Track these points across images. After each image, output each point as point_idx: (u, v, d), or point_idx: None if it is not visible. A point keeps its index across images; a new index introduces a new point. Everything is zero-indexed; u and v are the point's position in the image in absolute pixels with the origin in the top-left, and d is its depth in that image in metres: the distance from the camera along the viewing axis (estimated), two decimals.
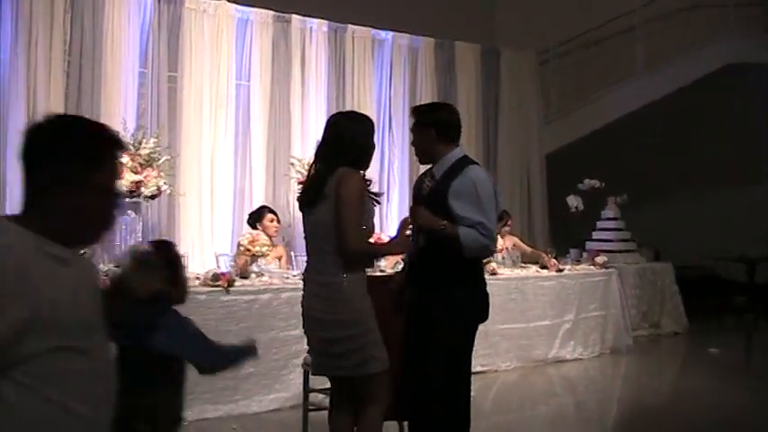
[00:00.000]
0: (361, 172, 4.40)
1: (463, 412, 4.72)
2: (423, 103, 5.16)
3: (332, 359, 4.25)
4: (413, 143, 4.83)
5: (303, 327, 4.43)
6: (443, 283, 4.55)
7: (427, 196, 4.66)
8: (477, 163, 4.81)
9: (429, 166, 4.79)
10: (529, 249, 10.32)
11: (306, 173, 4.75)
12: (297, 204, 4.54)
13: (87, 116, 8.35)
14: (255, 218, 8.67)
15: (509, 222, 10.23)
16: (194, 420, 6.34)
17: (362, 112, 10.46)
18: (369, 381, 4.22)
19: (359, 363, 4.16)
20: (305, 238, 4.47)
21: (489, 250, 4.80)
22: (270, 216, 8.57)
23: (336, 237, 4.14)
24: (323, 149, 4.38)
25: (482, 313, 4.76)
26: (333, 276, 4.18)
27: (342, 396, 4.47)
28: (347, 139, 4.27)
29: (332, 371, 4.34)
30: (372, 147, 4.43)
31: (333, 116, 4.65)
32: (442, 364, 4.53)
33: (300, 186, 4.62)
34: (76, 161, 2.23)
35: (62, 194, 2.23)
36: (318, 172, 4.35)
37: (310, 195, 4.30)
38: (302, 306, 4.42)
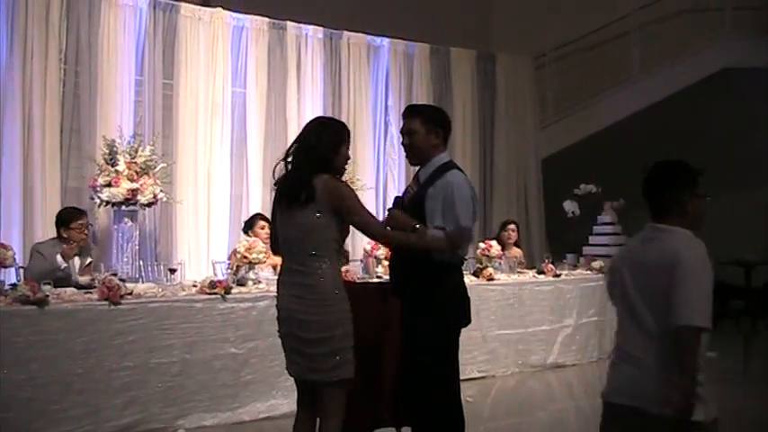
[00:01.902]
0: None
1: (456, 416, 4.70)
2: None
3: (308, 360, 4.25)
4: (411, 142, 4.75)
5: (279, 330, 4.43)
6: (422, 288, 4.64)
7: (409, 200, 4.73)
8: (459, 168, 4.80)
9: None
10: (522, 260, 10.26)
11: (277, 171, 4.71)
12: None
13: (84, 124, 8.46)
14: (248, 225, 8.74)
15: (509, 229, 10.16)
16: (192, 428, 6.36)
17: (358, 117, 10.67)
18: (337, 386, 4.23)
19: (334, 365, 4.19)
20: (279, 239, 4.46)
21: (458, 254, 4.78)
22: (261, 223, 8.60)
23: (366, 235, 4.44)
24: (297, 152, 4.43)
25: (464, 318, 4.75)
26: (315, 278, 4.20)
27: (307, 401, 4.48)
28: (321, 145, 4.33)
29: (306, 373, 4.31)
30: (342, 156, 4.43)
31: (310, 121, 4.66)
32: (429, 368, 4.60)
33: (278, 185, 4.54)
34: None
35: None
36: (299, 175, 4.36)
37: (293, 198, 4.31)
38: (278, 308, 4.42)
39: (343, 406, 4.30)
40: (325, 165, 4.30)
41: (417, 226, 4.51)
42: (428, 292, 4.64)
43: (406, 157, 4.87)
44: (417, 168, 4.84)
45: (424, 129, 4.71)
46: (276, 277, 7.63)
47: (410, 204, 4.67)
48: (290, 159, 4.50)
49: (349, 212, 4.28)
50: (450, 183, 4.60)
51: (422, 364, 4.61)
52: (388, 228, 4.63)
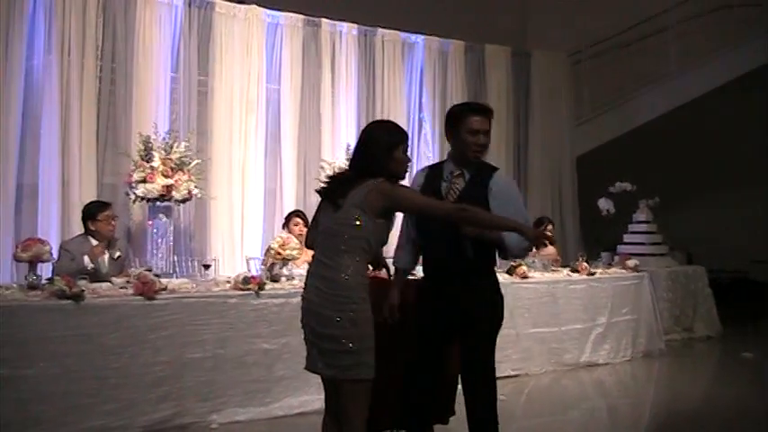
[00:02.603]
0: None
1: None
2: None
3: (325, 355, 4.23)
4: (484, 143, 4.71)
5: (301, 319, 4.39)
6: (484, 280, 4.71)
7: (463, 198, 4.62)
8: None
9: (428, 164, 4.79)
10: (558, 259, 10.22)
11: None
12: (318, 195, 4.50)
13: (120, 120, 8.54)
14: (286, 221, 8.86)
15: (549, 228, 10.13)
16: (225, 423, 6.38)
17: (393, 115, 10.68)
18: (355, 385, 4.18)
19: (349, 365, 4.14)
20: (319, 231, 4.42)
21: (528, 252, 4.84)
22: (296, 220, 8.74)
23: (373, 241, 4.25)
24: (355, 157, 4.40)
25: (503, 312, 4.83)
26: (339, 274, 4.16)
27: (331, 401, 4.46)
28: (379, 153, 4.27)
29: (321, 368, 4.29)
30: (402, 162, 4.35)
31: (369, 124, 4.65)
32: (488, 360, 4.67)
33: (329, 180, 4.47)
34: None
35: None
36: (350, 175, 4.36)
37: (333, 193, 4.31)
38: (302, 298, 4.40)
39: (365, 407, 4.23)
40: (377, 167, 4.25)
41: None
42: (490, 284, 4.72)
43: (476, 156, 4.70)
44: (445, 164, 4.81)
45: (489, 127, 4.72)
46: None
47: (464, 201, 4.57)
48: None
49: (410, 204, 4.31)
50: (511, 182, 4.69)
51: (481, 355, 4.65)
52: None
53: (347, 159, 9.66)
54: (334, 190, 4.32)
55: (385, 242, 4.39)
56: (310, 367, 4.40)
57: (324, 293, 4.20)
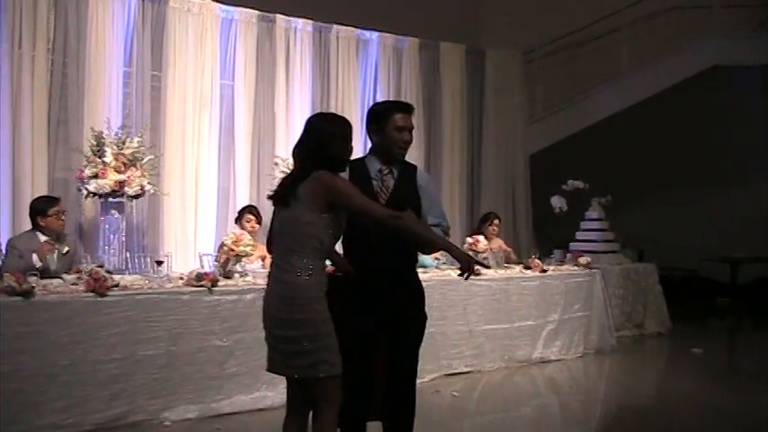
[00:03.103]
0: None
1: None
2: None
3: (284, 357, 4.22)
4: (410, 140, 4.71)
5: (262, 322, 4.38)
6: (416, 284, 4.75)
7: (396, 195, 4.63)
8: None
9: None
10: (512, 255, 10.33)
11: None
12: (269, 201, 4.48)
13: (72, 115, 8.44)
14: (238, 216, 8.93)
15: (495, 223, 10.22)
16: (177, 420, 6.36)
17: (347, 111, 10.67)
18: (318, 384, 4.16)
19: (309, 364, 4.12)
20: (273, 233, 4.42)
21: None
22: (248, 216, 8.81)
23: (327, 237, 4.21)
24: (299, 150, 4.36)
25: None
26: (293, 275, 4.14)
27: (293, 399, 4.44)
28: (323, 142, 4.26)
29: (282, 369, 4.28)
30: (349, 150, 4.38)
31: (311, 117, 4.60)
32: (416, 358, 4.72)
33: (279, 184, 4.45)
34: None
35: None
36: (295, 173, 4.35)
37: (283, 195, 4.28)
38: (263, 301, 4.38)
39: (335, 399, 4.22)
40: (319, 158, 4.22)
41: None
42: (418, 282, 4.75)
43: (402, 153, 4.71)
44: (367, 162, 4.76)
45: (411, 126, 4.72)
46: (262, 270, 7.71)
47: (393, 199, 4.59)
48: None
49: (348, 202, 4.19)
50: (431, 179, 4.68)
51: (413, 353, 4.67)
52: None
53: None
54: (283, 191, 4.31)
55: (338, 237, 4.38)
56: (271, 368, 4.38)
57: (279, 296, 4.21)
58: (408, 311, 4.60)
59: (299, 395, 4.34)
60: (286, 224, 4.24)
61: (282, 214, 4.28)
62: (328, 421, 4.23)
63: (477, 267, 4.52)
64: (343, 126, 4.40)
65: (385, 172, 4.67)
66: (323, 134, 4.30)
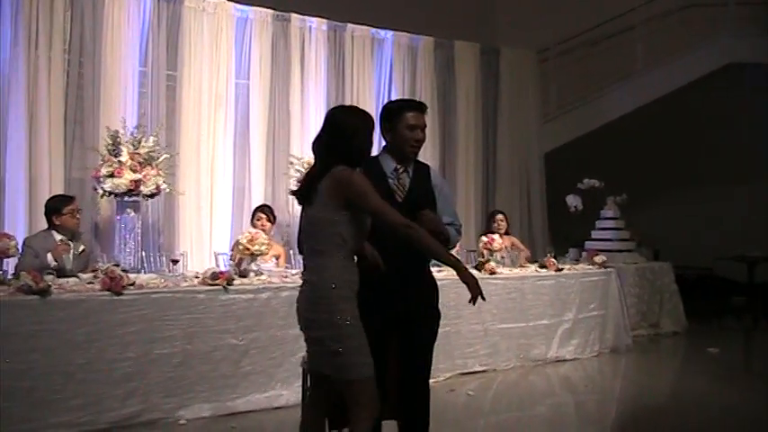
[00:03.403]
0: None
1: None
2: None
3: (316, 357, 4.20)
4: (422, 138, 4.67)
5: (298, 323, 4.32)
6: (430, 281, 4.73)
7: (412, 194, 4.62)
8: None
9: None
10: (526, 250, 10.33)
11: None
12: (296, 202, 4.43)
13: (87, 115, 8.47)
14: (251, 217, 8.91)
15: (497, 219, 10.17)
16: (192, 419, 6.36)
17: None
18: (349, 386, 4.06)
19: (338, 366, 4.04)
20: (300, 234, 4.37)
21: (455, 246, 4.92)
22: (258, 215, 8.81)
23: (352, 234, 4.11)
24: (318, 143, 4.27)
25: None
26: (318, 275, 4.09)
27: (319, 391, 4.41)
28: (344, 135, 4.17)
29: (320, 366, 4.20)
30: (369, 144, 4.29)
31: (331, 110, 4.49)
32: (430, 358, 4.69)
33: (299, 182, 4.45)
34: None
35: None
36: (315, 168, 4.26)
37: (303, 192, 4.22)
38: (297, 302, 4.30)
39: (368, 402, 4.09)
40: (343, 154, 4.13)
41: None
42: (431, 279, 4.73)
43: (414, 151, 4.68)
44: (381, 160, 4.69)
45: (424, 124, 4.70)
46: (277, 269, 7.73)
47: (410, 198, 4.58)
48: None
49: (364, 201, 4.05)
50: (442, 179, 4.68)
51: (426, 351, 4.65)
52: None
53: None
54: (305, 187, 4.23)
55: (365, 233, 4.23)
56: (310, 367, 4.38)
57: (306, 296, 4.17)
58: (420, 310, 4.56)
59: (321, 393, 4.32)
60: (310, 223, 4.17)
61: (307, 213, 4.21)
62: (360, 425, 4.11)
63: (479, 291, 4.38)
64: (363, 119, 4.29)
65: (400, 170, 4.64)
66: (343, 127, 4.20)
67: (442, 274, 5.70)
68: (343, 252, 4.11)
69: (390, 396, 4.74)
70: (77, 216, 7.42)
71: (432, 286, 4.74)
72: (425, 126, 4.70)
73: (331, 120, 4.30)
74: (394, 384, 4.68)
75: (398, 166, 4.65)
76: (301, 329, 4.26)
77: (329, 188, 4.06)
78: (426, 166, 4.80)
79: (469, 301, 4.30)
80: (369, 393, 4.09)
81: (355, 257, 4.25)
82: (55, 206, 7.35)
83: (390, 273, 4.41)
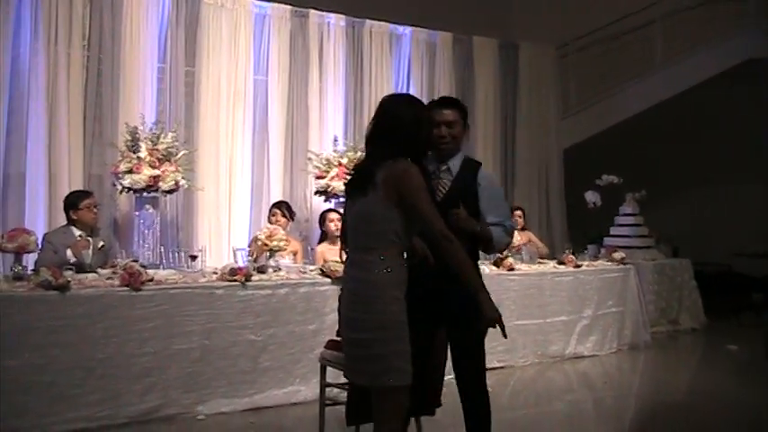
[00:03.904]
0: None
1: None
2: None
3: (353, 361, 3.98)
4: (452, 133, 4.60)
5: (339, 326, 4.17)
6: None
7: (452, 193, 4.59)
8: None
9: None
10: (543, 246, 10.33)
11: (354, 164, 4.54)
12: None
13: (106, 111, 8.52)
14: (269, 213, 8.94)
15: (518, 216, 10.17)
16: (211, 414, 6.39)
17: None
18: (385, 393, 3.87)
19: (380, 371, 3.82)
20: (348, 228, 4.15)
21: (508, 246, 4.84)
22: (273, 211, 8.87)
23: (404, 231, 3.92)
24: (373, 134, 4.06)
25: None
26: (368, 272, 3.87)
27: (360, 405, 4.36)
28: (402, 125, 3.95)
29: (351, 374, 4.06)
30: (428, 136, 4.15)
31: (386, 98, 4.23)
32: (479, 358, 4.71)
33: (351, 172, 4.25)
34: None
35: None
36: (367, 159, 4.07)
37: (357, 184, 4.00)
38: (339, 302, 4.17)
39: (399, 411, 3.93)
40: (400, 145, 3.93)
41: (479, 225, 4.52)
42: None
43: (441, 147, 4.59)
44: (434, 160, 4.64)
45: (461, 121, 4.65)
46: (296, 265, 7.74)
47: (449, 198, 4.54)
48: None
49: (415, 201, 3.84)
50: (492, 177, 4.61)
51: (473, 353, 4.70)
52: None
53: (334, 151, 9.69)
54: (362, 178, 4.00)
55: (416, 230, 4.05)
56: (347, 376, 4.18)
57: (352, 294, 3.96)
58: (465, 311, 4.35)
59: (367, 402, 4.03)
60: (360, 217, 3.96)
61: (356, 207, 3.99)
62: None
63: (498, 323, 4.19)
64: (422, 108, 4.11)
65: (443, 168, 4.64)
66: (401, 117, 3.98)
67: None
68: (396, 249, 3.93)
69: (429, 394, 4.78)
70: (95, 211, 7.44)
71: None
72: (451, 121, 4.62)
73: (387, 109, 4.07)
74: (432, 383, 4.71)
75: (441, 165, 4.64)
76: (343, 332, 4.08)
77: (386, 181, 3.85)
78: (475, 165, 4.73)
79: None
80: (402, 403, 3.93)
81: (405, 255, 4.05)
82: (71, 201, 7.39)
83: (437, 270, 4.24)
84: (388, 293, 3.85)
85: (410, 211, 3.87)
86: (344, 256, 4.13)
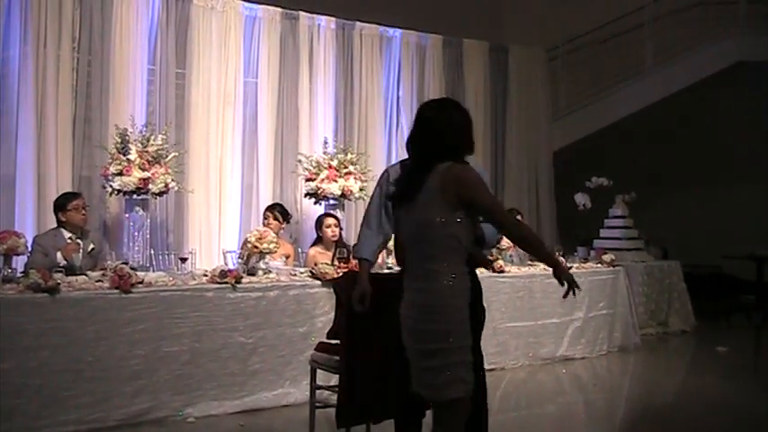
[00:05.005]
0: None
1: None
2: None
3: (418, 374, 3.87)
4: None
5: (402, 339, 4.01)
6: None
7: None
8: None
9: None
10: None
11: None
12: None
13: (96, 113, 8.49)
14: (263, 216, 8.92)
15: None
16: (201, 417, 6.37)
17: (370, 109, 10.72)
18: (447, 406, 3.81)
19: (446, 382, 3.75)
20: (400, 240, 4.11)
21: (499, 242, 4.83)
22: (266, 214, 8.90)
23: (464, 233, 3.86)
24: (416, 140, 4.02)
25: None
26: (432, 282, 3.79)
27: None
28: (444, 129, 3.92)
29: (418, 388, 3.90)
30: (466, 138, 4.01)
31: (426, 105, 4.18)
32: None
33: (397, 182, 4.17)
34: None
35: None
36: (416, 165, 3.99)
37: (406, 191, 3.93)
38: (401, 315, 3.99)
39: (461, 424, 3.86)
40: (444, 150, 3.87)
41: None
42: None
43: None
44: None
45: None
46: (287, 267, 7.73)
47: None
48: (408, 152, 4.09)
49: (480, 198, 3.83)
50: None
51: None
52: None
53: (324, 153, 9.68)
54: (408, 187, 3.94)
55: (472, 238, 3.99)
56: (413, 388, 3.97)
57: (416, 306, 3.85)
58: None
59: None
60: (417, 225, 3.86)
61: (410, 216, 3.91)
62: None
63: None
64: (459, 111, 4.05)
65: None
66: (441, 121, 3.94)
67: None
68: (458, 256, 3.85)
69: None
70: (83, 212, 7.42)
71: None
72: None
73: (428, 115, 4.04)
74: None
75: None
76: (407, 344, 3.93)
77: (443, 186, 3.79)
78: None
79: (564, 296, 4.02)
80: (464, 415, 3.87)
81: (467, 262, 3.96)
82: (59, 202, 7.38)
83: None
84: (452, 302, 3.79)
85: (471, 207, 3.83)
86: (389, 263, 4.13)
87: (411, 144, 4.05)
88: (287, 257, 8.44)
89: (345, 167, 9.49)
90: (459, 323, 3.79)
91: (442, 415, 3.87)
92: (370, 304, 4.50)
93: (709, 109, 13.35)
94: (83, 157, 8.91)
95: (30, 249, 6.83)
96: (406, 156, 4.22)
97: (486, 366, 8.18)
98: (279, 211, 8.85)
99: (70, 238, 7.23)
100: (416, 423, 4.83)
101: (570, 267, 9.28)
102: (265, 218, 8.80)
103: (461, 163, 3.89)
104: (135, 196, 8.08)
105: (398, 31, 11.66)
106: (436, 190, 3.78)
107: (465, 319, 3.81)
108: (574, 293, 3.98)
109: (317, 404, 5.76)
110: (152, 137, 8.20)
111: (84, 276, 6.50)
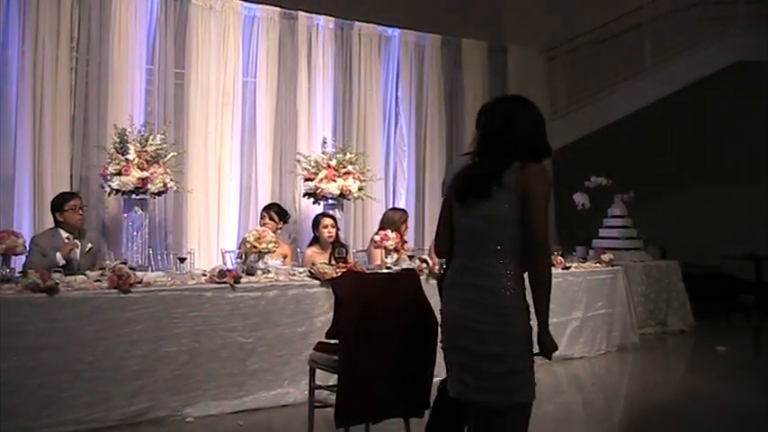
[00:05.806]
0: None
1: None
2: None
3: (480, 380, 3.59)
4: None
5: (443, 339, 3.81)
6: None
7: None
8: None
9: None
10: None
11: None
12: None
13: (94, 112, 8.48)
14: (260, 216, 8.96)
15: None
16: (200, 417, 6.37)
17: (369, 109, 10.72)
18: (512, 411, 3.62)
19: (512, 387, 3.58)
20: (457, 234, 3.80)
21: None
22: (263, 214, 8.95)
23: (522, 238, 3.60)
24: (485, 137, 3.82)
25: None
26: (495, 280, 3.58)
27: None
28: (520, 127, 3.72)
29: (477, 394, 3.61)
30: (539, 135, 3.79)
31: (498, 102, 3.99)
32: None
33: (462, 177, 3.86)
34: None
35: None
36: (483, 163, 3.75)
37: (476, 188, 3.67)
38: (443, 314, 3.81)
39: (526, 429, 3.68)
40: (529, 150, 3.67)
41: None
42: None
43: None
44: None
45: None
46: (285, 267, 7.71)
47: None
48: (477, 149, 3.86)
49: (534, 210, 3.57)
50: None
51: None
52: None
53: (323, 153, 9.67)
54: (475, 185, 3.70)
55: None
56: (461, 393, 3.70)
57: (477, 304, 3.59)
58: None
59: (482, 423, 3.73)
60: (485, 221, 3.63)
61: (476, 211, 3.67)
62: None
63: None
64: (534, 109, 3.86)
65: None
66: (513, 118, 3.76)
67: None
68: (519, 256, 3.64)
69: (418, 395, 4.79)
70: (80, 212, 7.42)
71: None
72: None
73: (499, 112, 3.85)
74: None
75: None
76: (454, 346, 3.72)
77: (519, 182, 3.58)
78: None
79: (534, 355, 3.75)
80: (527, 420, 3.71)
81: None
82: (56, 202, 7.39)
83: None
84: (516, 302, 3.61)
85: (524, 212, 3.58)
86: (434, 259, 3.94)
87: (487, 138, 3.80)
88: (284, 257, 8.44)
89: (344, 167, 9.48)
90: (523, 326, 3.64)
91: (504, 421, 3.64)
92: (370, 304, 4.51)
93: (708, 109, 13.35)
94: (81, 156, 8.90)
95: (27, 250, 6.82)
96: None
97: None
98: (275, 212, 8.86)
99: (68, 237, 7.23)
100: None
101: (569, 267, 9.32)
102: (262, 218, 8.81)
103: (543, 166, 3.71)
104: (133, 196, 8.07)
105: (397, 31, 11.66)
106: (511, 186, 3.58)
107: (528, 320, 3.66)
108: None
109: (316, 404, 5.75)
110: (151, 136, 8.19)
111: (82, 276, 6.49)
